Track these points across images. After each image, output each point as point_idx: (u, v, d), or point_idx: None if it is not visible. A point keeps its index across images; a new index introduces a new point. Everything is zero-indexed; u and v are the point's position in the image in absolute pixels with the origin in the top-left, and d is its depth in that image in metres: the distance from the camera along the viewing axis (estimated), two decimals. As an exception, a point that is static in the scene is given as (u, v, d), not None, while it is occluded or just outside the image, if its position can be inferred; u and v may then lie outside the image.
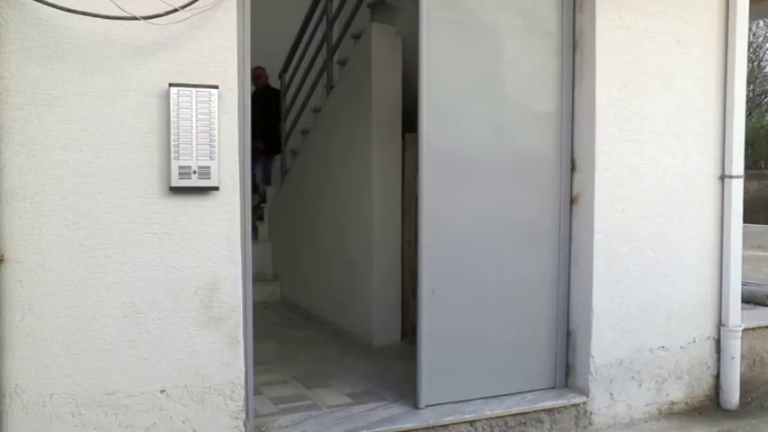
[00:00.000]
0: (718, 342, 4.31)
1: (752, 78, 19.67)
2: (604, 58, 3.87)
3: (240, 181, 3.07)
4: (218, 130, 2.97)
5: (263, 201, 7.99)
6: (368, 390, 4.04)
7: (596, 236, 3.88)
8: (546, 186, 3.96)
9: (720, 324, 4.30)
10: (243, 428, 3.10)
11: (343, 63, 5.99)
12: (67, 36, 2.76)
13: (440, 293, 3.70)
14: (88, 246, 2.82)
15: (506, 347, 3.88)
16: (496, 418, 3.68)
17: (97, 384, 2.85)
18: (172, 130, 2.89)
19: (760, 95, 21.37)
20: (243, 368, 3.10)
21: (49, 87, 2.74)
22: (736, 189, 4.23)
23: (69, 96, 2.77)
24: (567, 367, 4.03)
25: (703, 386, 4.29)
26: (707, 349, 4.29)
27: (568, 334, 4.03)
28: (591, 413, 3.92)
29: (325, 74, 6.48)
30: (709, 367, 4.31)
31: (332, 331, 5.78)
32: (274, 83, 7.56)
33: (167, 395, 2.96)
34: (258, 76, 7.90)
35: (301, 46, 6.87)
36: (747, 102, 5.15)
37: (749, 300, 5.08)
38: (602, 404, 3.95)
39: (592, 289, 3.89)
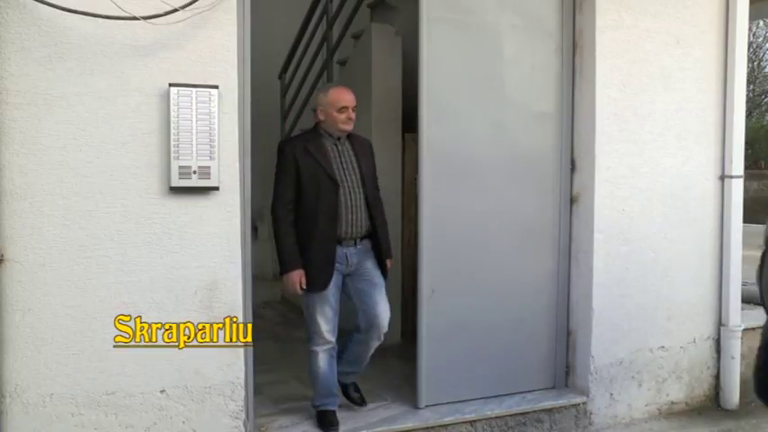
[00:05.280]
0: (718, 342, 4.31)
1: (752, 78, 19.66)
2: (604, 58, 3.87)
3: (240, 181, 3.07)
4: (218, 130, 2.97)
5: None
6: (368, 390, 4.04)
7: (596, 236, 3.88)
8: (546, 186, 3.96)
9: (720, 324, 4.31)
10: (243, 428, 3.10)
11: (343, 63, 5.99)
12: (68, 36, 2.76)
13: (440, 293, 3.70)
14: (88, 246, 2.82)
15: (506, 347, 3.88)
16: (496, 418, 3.68)
17: (97, 384, 2.85)
18: (172, 130, 2.89)
19: (760, 95, 21.36)
20: (243, 368, 3.10)
21: (48, 87, 2.74)
22: (736, 189, 4.23)
23: (69, 96, 2.77)
24: (566, 367, 4.03)
25: (703, 386, 4.29)
26: (707, 349, 4.29)
27: (568, 334, 4.03)
28: (591, 413, 3.92)
29: (325, 74, 6.48)
30: (709, 367, 4.31)
31: (332, 331, 5.76)
32: (274, 83, 7.48)
33: (167, 395, 2.96)
34: None
35: (301, 46, 6.86)
36: (747, 102, 5.14)
37: (749, 300, 5.07)
38: (602, 404, 3.95)
39: (592, 289, 3.89)
